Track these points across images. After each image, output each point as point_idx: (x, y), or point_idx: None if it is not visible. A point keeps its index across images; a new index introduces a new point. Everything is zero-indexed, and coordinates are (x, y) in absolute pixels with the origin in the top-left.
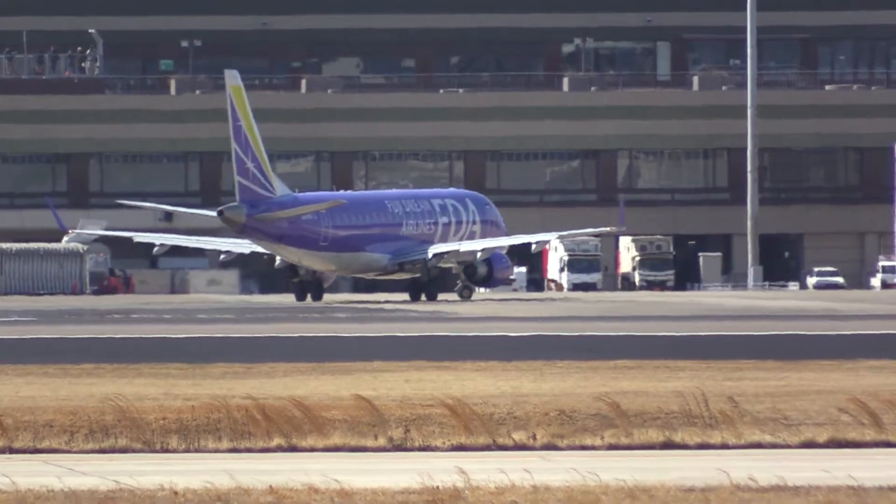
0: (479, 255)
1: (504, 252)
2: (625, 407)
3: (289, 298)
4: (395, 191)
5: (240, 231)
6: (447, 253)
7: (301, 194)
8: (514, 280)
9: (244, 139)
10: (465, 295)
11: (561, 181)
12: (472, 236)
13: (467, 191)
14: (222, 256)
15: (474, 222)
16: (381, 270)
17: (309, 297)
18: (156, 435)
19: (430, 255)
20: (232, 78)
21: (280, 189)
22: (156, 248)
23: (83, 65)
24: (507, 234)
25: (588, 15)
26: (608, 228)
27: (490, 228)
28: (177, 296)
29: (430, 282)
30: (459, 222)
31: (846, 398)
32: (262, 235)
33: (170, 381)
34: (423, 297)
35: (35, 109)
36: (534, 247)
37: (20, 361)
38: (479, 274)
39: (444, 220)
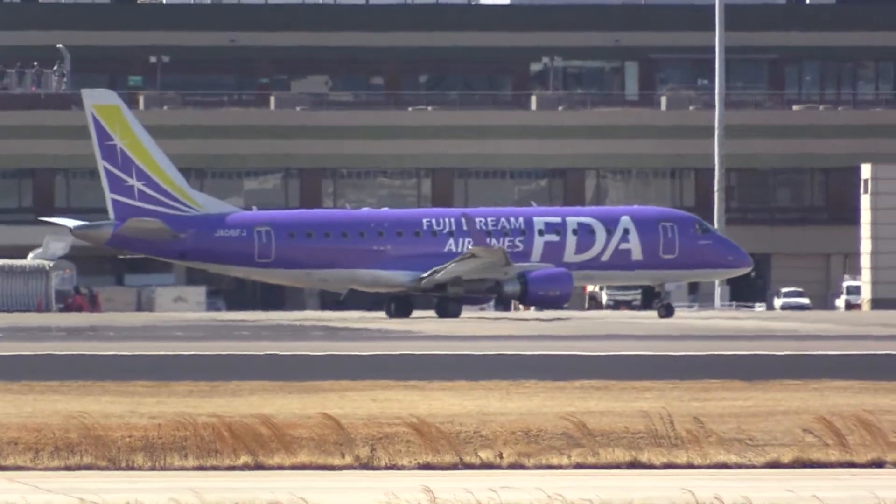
0: (506, 272)
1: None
2: (591, 427)
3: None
4: (480, 208)
5: (113, 248)
6: (441, 271)
7: (232, 214)
8: (558, 298)
9: (122, 157)
10: (662, 314)
11: (529, 200)
12: (614, 256)
13: (654, 208)
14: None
15: (625, 241)
16: (401, 287)
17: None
18: (121, 452)
19: (426, 274)
20: (97, 97)
21: (211, 206)
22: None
23: (42, 78)
24: (715, 258)
25: (556, 34)
26: (470, 247)
27: (654, 248)
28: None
29: (450, 299)
30: (586, 242)
31: (812, 418)
32: (155, 251)
33: (135, 399)
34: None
35: (0, 125)
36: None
37: None
38: (506, 292)
39: (551, 238)
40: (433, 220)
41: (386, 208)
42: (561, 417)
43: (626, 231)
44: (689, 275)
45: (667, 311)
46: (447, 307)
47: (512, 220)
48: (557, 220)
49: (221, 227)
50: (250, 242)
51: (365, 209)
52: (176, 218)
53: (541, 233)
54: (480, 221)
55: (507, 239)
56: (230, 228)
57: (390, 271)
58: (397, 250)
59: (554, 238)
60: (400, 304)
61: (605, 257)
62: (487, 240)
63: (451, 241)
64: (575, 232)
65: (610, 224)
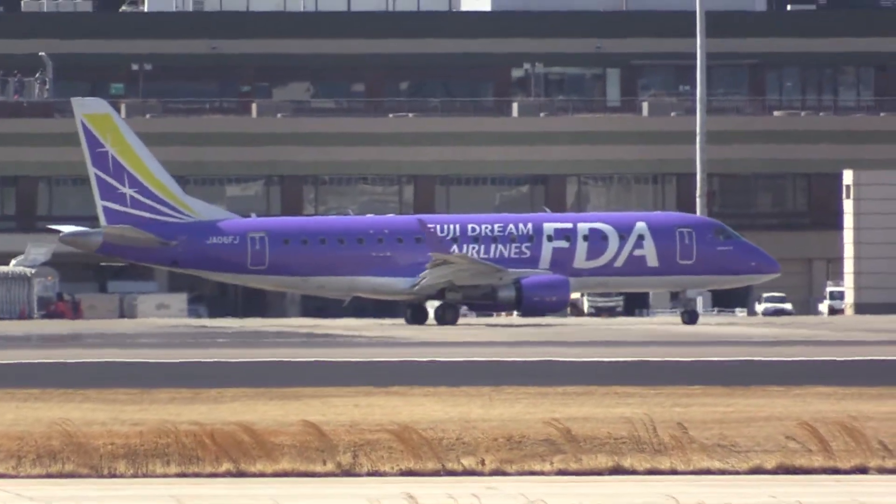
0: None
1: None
2: (574, 432)
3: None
4: (501, 214)
5: (104, 254)
6: (424, 278)
7: (224, 221)
8: (556, 305)
9: (113, 164)
10: (685, 319)
11: (510, 206)
12: (628, 262)
13: (671, 213)
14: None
15: (639, 247)
16: (401, 294)
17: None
18: (103, 460)
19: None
20: (87, 106)
21: (208, 212)
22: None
23: (25, 86)
24: (737, 265)
25: (538, 41)
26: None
27: (670, 254)
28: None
29: (447, 305)
30: (598, 248)
31: (795, 424)
32: (146, 259)
33: (117, 406)
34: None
35: None
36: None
37: None
38: (500, 298)
39: (560, 244)
40: (436, 227)
41: (391, 214)
42: (544, 423)
43: (640, 237)
44: (710, 281)
45: (690, 318)
46: (445, 314)
47: (520, 226)
48: (568, 226)
49: (214, 234)
50: (243, 249)
51: (369, 215)
52: (167, 225)
53: (550, 238)
54: (486, 228)
55: (513, 245)
56: (222, 235)
57: (389, 278)
58: (398, 257)
59: (563, 244)
60: (415, 311)
61: (618, 263)
62: (453, 247)
63: (455, 247)
64: (586, 238)
65: (623, 230)
